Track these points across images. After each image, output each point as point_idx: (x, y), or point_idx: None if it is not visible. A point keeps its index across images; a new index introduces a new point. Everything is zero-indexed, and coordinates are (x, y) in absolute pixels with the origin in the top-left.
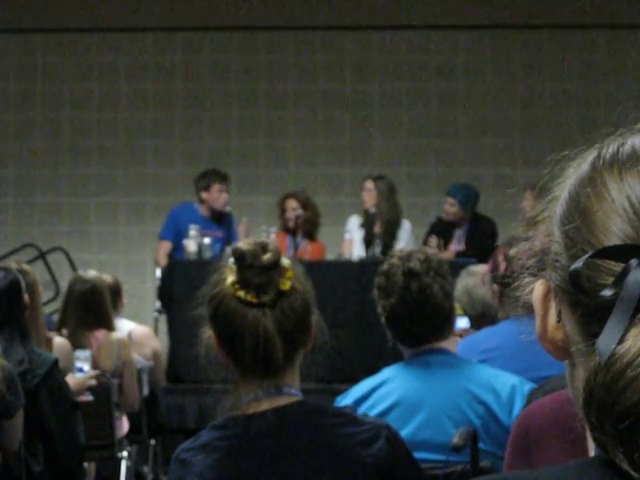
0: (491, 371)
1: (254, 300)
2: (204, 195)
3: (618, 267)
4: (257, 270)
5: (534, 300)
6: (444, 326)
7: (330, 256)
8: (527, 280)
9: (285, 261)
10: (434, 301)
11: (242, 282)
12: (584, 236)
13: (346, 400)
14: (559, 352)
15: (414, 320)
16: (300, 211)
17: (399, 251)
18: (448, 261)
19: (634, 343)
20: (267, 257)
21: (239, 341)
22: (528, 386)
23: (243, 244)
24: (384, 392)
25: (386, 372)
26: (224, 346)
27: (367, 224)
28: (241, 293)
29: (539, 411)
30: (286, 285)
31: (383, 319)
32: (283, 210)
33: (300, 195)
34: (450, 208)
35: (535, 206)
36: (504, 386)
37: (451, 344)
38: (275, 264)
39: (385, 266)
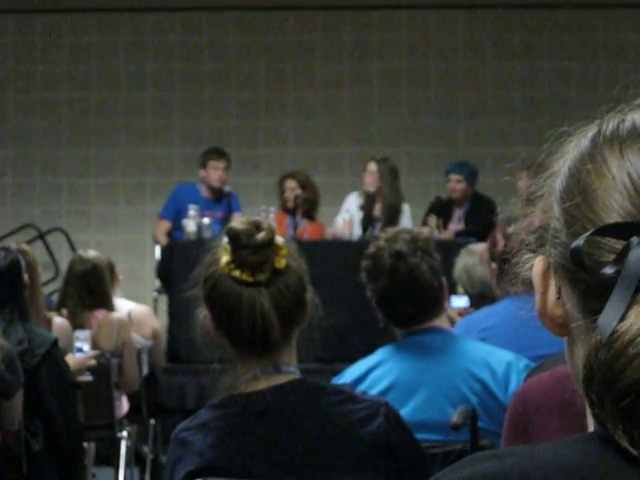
0: (486, 348)
1: (250, 279)
2: (202, 173)
3: (619, 244)
4: (252, 249)
5: (534, 276)
6: (435, 305)
7: (329, 236)
8: (526, 256)
9: (279, 239)
10: (423, 281)
11: (237, 261)
12: (584, 213)
13: (341, 381)
14: (559, 328)
15: (404, 301)
16: (299, 191)
17: (385, 232)
18: (447, 240)
19: (635, 321)
20: (261, 236)
21: (236, 320)
22: (523, 362)
23: (237, 223)
24: (379, 374)
25: (380, 353)
26: (220, 326)
27: (366, 205)
28: (236, 272)
29: (536, 387)
30: (281, 263)
31: (373, 302)
32: (282, 190)
33: (299, 175)
34: (457, 185)
35: (532, 184)
36: (499, 363)
37: (443, 321)
38: (269, 242)
39: (372, 249)
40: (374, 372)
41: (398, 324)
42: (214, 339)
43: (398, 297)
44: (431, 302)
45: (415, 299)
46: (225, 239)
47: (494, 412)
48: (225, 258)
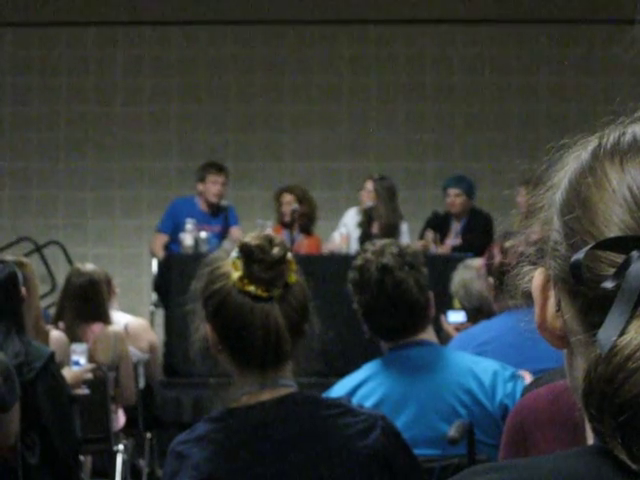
0: (471, 358)
1: (264, 294)
2: (200, 187)
3: (619, 258)
4: (267, 264)
5: (533, 289)
6: (420, 319)
7: (326, 251)
8: (526, 269)
9: (289, 254)
10: (409, 295)
11: (251, 277)
12: (584, 226)
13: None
14: (558, 341)
15: (389, 315)
16: (296, 205)
17: (372, 245)
18: (445, 255)
19: (635, 335)
20: (276, 251)
21: (247, 335)
22: (509, 371)
23: (250, 239)
24: (367, 390)
25: (367, 369)
26: (226, 341)
27: (364, 223)
28: (251, 288)
29: (534, 402)
30: (292, 278)
31: (359, 313)
32: (279, 204)
33: (296, 189)
34: (456, 199)
35: (532, 196)
36: (486, 372)
37: (430, 335)
38: (284, 258)
39: (359, 261)
40: (362, 389)
41: (383, 337)
42: (214, 354)
43: (383, 310)
44: (416, 316)
45: (400, 313)
46: (234, 253)
47: (482, 422)
48: (237, 273)
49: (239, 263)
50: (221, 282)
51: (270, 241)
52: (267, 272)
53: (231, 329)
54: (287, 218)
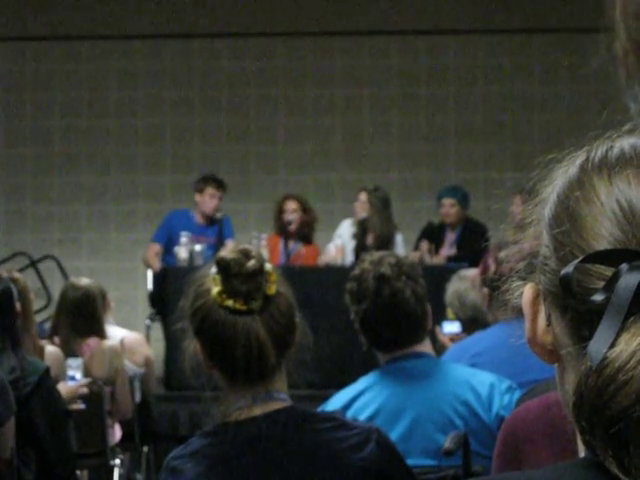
0: (468, 370)
1: (243, 308)
2: (197, 198)
3: (608, 271)
4: (243, 278)
5: (523, 304)
6: (417, 330)
7: (322, 262)
8: (516, 284)
9: (268, 266)
10: (406, 306)
11: (229, 291)
12: (573, 240)
13: (327, 410)
14: (549, 356)
15: (387, 325)
16: (292, 217)
17: (370, 255)
18: (439, 265)
19: (625, 347)
20: (252, 264)
21: (230, 350)
22: (505, 384)
23: (226, 253)
24: (364, 402)
25: (364, 381)
26: (213, 356)
27: (359, 234)
28: (229, 302)
29: (525, 414)
30: (272, 289)
31: (356, 324)
32: (281, 212)
33: (300, 197)
34: (451, 209)
35: (522, 211)
36: (482, 384)
37: (426, 347)
38: (260, 270)
39: (356, 271)
40: (358, 401)
41: (380, 348)
42: (206, 370)
43: (380, 320)
44: (413, 327)
45: (397, 323)
46: (213, 269)
47: (479, 433)
48: (216, 288)
49: (218, 278)
50: (203, 298)
51: (246, 254)
52: (244, 285)
53: (215, 345)
54: (291, 226)
